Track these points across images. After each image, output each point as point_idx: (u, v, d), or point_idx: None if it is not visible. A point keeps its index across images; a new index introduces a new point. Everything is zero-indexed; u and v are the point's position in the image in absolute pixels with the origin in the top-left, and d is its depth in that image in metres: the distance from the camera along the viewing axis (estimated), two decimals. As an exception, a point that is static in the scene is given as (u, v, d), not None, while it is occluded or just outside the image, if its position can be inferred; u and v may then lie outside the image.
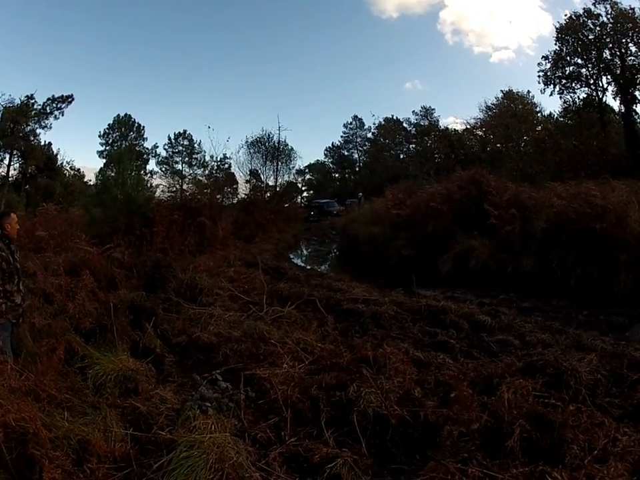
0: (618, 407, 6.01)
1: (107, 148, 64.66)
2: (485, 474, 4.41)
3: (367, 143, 72.69)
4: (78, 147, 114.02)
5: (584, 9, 46.28)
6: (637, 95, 44.86)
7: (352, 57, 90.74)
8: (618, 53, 44.89)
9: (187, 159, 69.75)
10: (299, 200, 64.45)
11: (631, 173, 24.62)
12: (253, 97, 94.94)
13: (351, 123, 73.76)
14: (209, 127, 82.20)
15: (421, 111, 67.42)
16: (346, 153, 74.72)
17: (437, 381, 6.47)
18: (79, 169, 63.39)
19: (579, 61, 47.79)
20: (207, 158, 60.50)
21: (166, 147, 70.53)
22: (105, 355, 6.56)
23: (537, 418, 5.30)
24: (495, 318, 10.23)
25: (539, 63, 49.85)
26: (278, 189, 50.54)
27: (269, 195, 44.91)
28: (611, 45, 45.11)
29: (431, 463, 4.62)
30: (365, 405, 5.51)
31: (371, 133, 72.24)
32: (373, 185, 49.25)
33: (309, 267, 18.69)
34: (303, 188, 73.07)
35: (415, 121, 67.81)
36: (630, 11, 43.57)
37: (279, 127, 54.19)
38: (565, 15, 51.84)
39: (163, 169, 69.07)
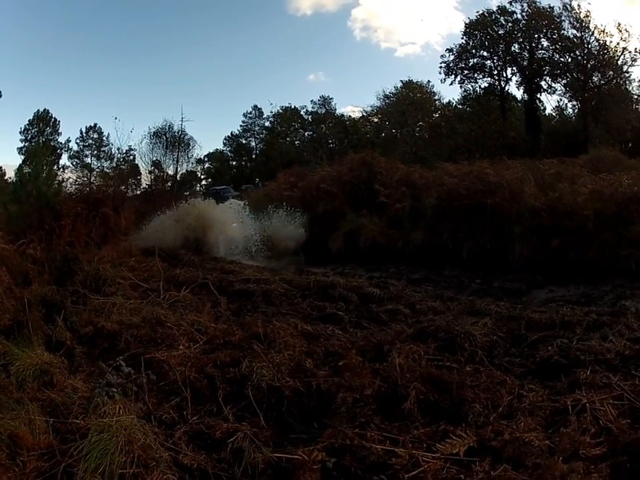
0: (519, 366, 6.38)
1: (26, 144, 64.64)
2: (385, 437, 4.61)
3: (264, 131, 75.66)
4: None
5: (498, 6, 53.50)
6: (542, 85, 52.47)
7: (260, 50, 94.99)
8: (528, 47, 52.00)
9: (95, 152, 70.92)
10: (198, 188, 67.31)
11: (530, 154, 26.82)
12: (162, 86, 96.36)
13: (250, 113, 76.46)
14: (116, 118, 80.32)
15: (319, 100, 71.78)
16: (244, 142, 77.50)
17: (327, 351, 6.69)
18: (0, 167, 63.81)
19: (485, 53, 54.94)
20: (114, 150, 62.11)
21: (77, 141, 71.50)
22: (24, 351, 6.60)
23: (432, 380, 5.51)
24: (384, 289, 10.66)
25: (442, 55, 57.02)
26: (178, 178, 51.20)
27: (169, 184, 45.30)
28: (521, 40, 52.35)
29: (328, 430, 4.77)
30: (258, 379, 5.69)
31: (268, 122, 75.57)
32: (268, 171, 51.70)
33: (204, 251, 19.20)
34: (202, 176, 75.99)
35: (313, 110, 71.97)
36: (548, 10, 50.65)
37: (182, 118, 56.76)
38: (477, 12, 56.87)
39: (74, 163, 70.02)
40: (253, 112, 75.97)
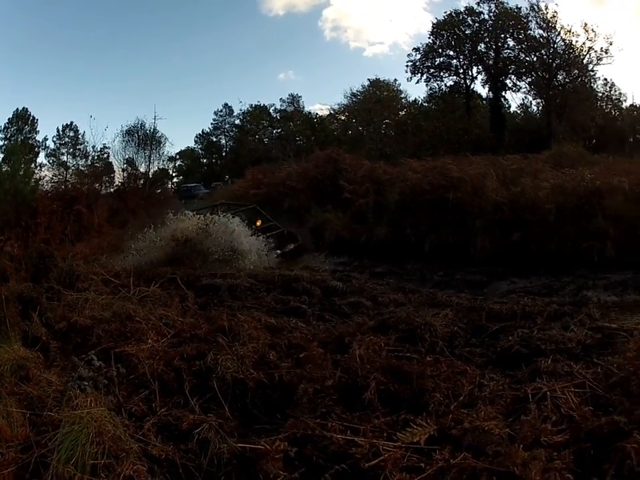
0: (480, 356, 6.49)
1: (5, 142, 64.13)
2: (346, 426, 4.65)
3: (234, 129, 76.42)
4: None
5: (466, 7, 54.71)
6: (507, 83, 53.84)
7: (233, 49, 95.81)
8: (494, 47, 53.44)
9: (71, 150, 70.84)
10: (169, 185, 67.48)
11: (494, 150, 27.34)
12: (137, 84, 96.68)
13: (221, 111, 77.11)
14: (91, 116, 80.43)
15: (288, 98, 72.45)
16: (214, 139, 78.35)
17: (289, 343, 6.84)
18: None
19: (451, 52, 56.26)
20: (89, 148, 61.27)
21: (54, 139, 71.45)
22: (1, 347, 6.69)
23: (392, 370, 5.61)
24: (346, 283, 10.88)
25: (408, 54, 58.23)
26: (150, 176, 51.40)
27: (142, 182, 45.47)
28: (487, 39, 53.82)
29: (290, 421, 4.85)
30: (222, 371, 5.83)
31: (238, 120, 76.20)
32: (238, 168, 51.99)
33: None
34: (174, 174, 76.15)
35: (282, 108, 72.72)
36: (515, 10, 52.10)
37: (155, 116, 57.49)
38: (445, 12, 58.25)
39: (51, 161, 69.52)
40: (224, 110, 76.66)
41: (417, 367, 5.70)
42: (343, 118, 67.70)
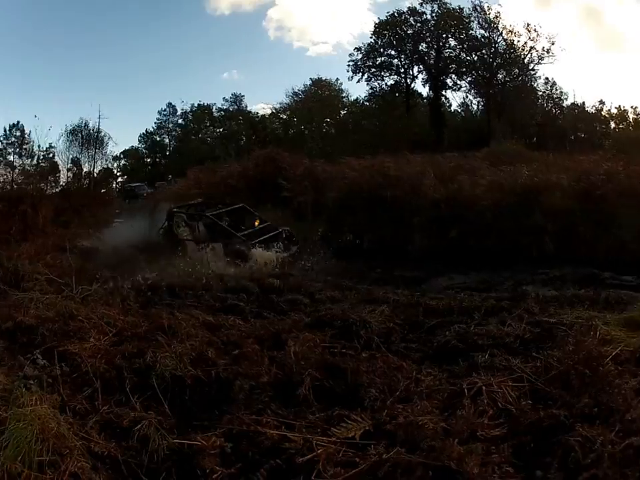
0: (417, 351, 6.62)
1: None
2: (281, 422, 4.76)
3: (177, 129, 76.02)
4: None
5: (409, 7, 55.58)
6: (448, 82, 55.22)
7: (178, 48, 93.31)
8: (435, 46, 54.70)
9: (18, 149, 67.95)
10: (114, 185, 65.32)
11: (434, 149, 27.84)
12: (83, 84, 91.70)
13: (164, 110, 76.16)
14: (35, 116, 79.12)
15: (231, 98, 72.06)
16: (158, 139, 77.42)
17: (227, 340, 6.95)
18: None
19: (393, 52, 57.22)
20: (35, 148, 60.02)
21: (1, 139, 68.77)
22: None
23: (327, 367, 5.70)
24: (284, 280, 11.10)
25: (350, 54, 58.75)
26: (95, 176, 50.96)
27: (87, 181, 45.04)
28: (429, 39, 54.99)
29: (226, 417, 4.93)
30: (162, 369, 5.88)
31: (182, 119, 75.83)
32: (181, 168, 51.25)
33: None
34: (118, 173, 73.66)
35: (224, 107, 72.48)
36: (458, 11, 53.40)
37: (99, 116, 55.65)
38: (388, 13, 59.09)
39: None
40: (167, 109, 75.87)
41: (352, 362, 5.74)
42: (284, 117, 68.11)
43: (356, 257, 14.58)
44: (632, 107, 56.06)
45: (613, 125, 57.85)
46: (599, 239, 14.98)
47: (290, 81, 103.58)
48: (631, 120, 56.79)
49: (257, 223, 16.73)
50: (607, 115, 57.51)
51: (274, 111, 67.92)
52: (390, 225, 14.97)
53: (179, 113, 75.57)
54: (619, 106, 56.55)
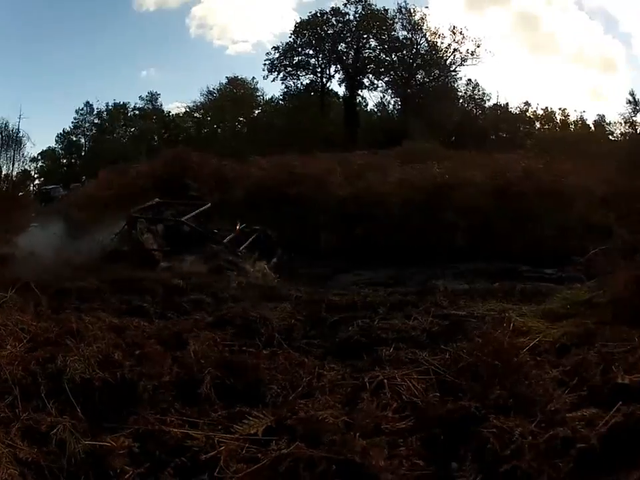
0: (319, 347, 6.73)
1: None
2: (185, 421, 4.82)
3: (94, 128, 74.88)
4: None
5: (332, 7, 56.62)
6: (365, 82, 56.38)
7: (102, 45, 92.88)
8: (355, 46, 55.74)
9: None
10: (32, 187, 65.48)
11: (347, 147, 28.65)
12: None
13: (82, 109, 74.81)
14: None
15: (147, 96, 71.88)
16: (74, 139, 76.02)
17: (132, 342, 6.93)
18: None
19: (311, 51, 58.14)
20: None
21: None
22: None
23: (227, 364, 5.79)
24: (187, 280, 11.22)
25: (267, 53, 59.70)
26: (13, 178, 49.82)
27: (5, 184, 44.06)
28: (349, 39, 56.05)
29: (132, 417, 4.97)
30: (72, 373, 5.79)
31: (98, 118, 74.76)
32: (96, 169, 50.26)
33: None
34: (36, 176, 73.51)
35: (140, 106, 72.27)
36: (383, 12, 54.69)
37: (20, 115, 56.13)
38: (310, 12, 60.02)
39: None
40: (85, 108, 74.52)
41: (252, 360, 5.82)
42: (198, 115, 68.37)
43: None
44: (560, 109, 58.13)
45: (538, 125, 59.74)
46: (516, 234, 15.52)
47: (208, 80, 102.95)
48: (558, 121, 58.74)
49: (237, 227, 15.62)
50: (532, 116, 59.50)
51: (187, 109, 68.24)
52: (296, 223, 15.25)
53: (95, 112, 74.72)
54: (546, 107, 58.71)
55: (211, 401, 5.17)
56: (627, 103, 48.45)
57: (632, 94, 47.95)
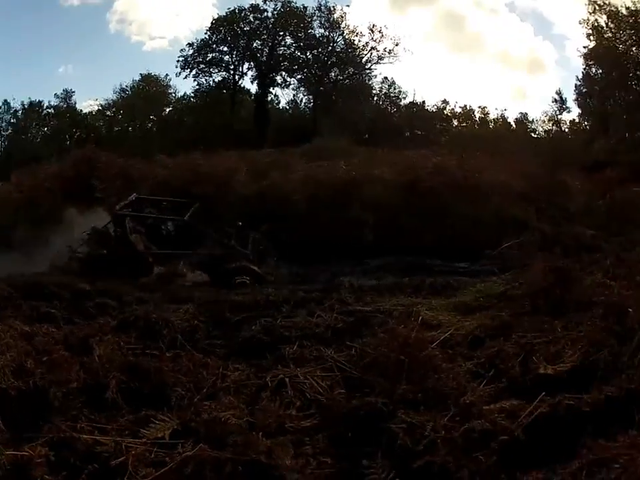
0: (222, 347, 6.79)
1: None
2: (95, 427, 4.76)
3: (10, 128, 71.42)
4: None
5: (251, 4, 55.97)
6: (277, 79, 56.17)
7: (24, 40, 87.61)
8: (270, 44, 55.39)
9: None
10: None
11: (256, 145, 29.02)
12: None
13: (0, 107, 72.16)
14: None
15: (62, 94, 68.50)
16: None
17: (42, 349, 6.68)
18: None
19: (225, 48, 57.22)
20: None
21: None
22: None
23: (131, 368, 5.72)
24: (93, 285, 11.01)
25: (181, 49, 58.27)
26: None
27: None
28: (265, 36, 55.64)
29: (47, 426, 4.86)
30: None
31: (14, 117, 71.28)
32: (10, 171, 48.86)
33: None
34: None
35: (55, 104, 68.85)
36: (302, 10, 54.54)
37: None
38: (228, 9, 58.87)
39: None
40: (2, 107, 70.65)
41: (156, 362, 5.78)
42: (109, 114, 66.18)
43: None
44: (479, 107, 58.67)
45: (455, 123, 60.18)
46: (427, 229, 15.67)
47: (123, 77, 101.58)
48: (477, 119, 59.49)
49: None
50: (449, 114, 59.77)
51: (100, 108, 66.29)
52: (200, 222, 14.52)
53: (12, 110, 72.00)
54: (465, 105, 59.11)
55: (118, 406, 5.11)
56: (552, 102, 49.68)
57: (559, 93, 49.07)
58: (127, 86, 63.29)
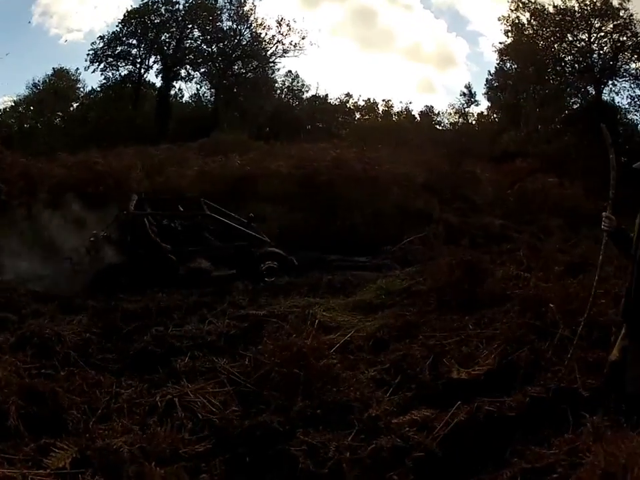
0: (115, 362, 6.45)
1: None
2: (3, 458, 4.37)
3: None
4: None
5: None
6: (182, 73, 55.60)
7: None
8: (178, 37, 54.47)
9: None
10: None
11: (157, 140, 29.22)
12: None
13: None
14: None
15: None
16: None
17: None
18: None
19: (134, 41, 55.66)
20: None
21: None
22: None
23: (29, 391, 5.31)
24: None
25: (92, 42, 56.00)
26: None
27: None
28: (174, 29, 54.67)
29: None
30: None
31: None
32: None
33: None
34: None
35: None
36: (212, 2, 53.92)
37: None
38: (142, 1, 56.75)
39: None
40: None
41: (50, 384, 5.37)
42: (21, 110, 64.60)
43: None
44: (383, 100, 58.96)
45: (358, 115, 60.11)
46: (325, 223, 15.68)
47: (38, 71, 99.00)
48: (380, 112, 59.28)
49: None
50: (352, 107, 59.80)
51: (13, 104, 64.19)
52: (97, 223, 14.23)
53: None
54: (368, 98, 59.12)
55: (20, 434, 4.78)
56: (460, 95, 50.24)
57: (468, 87, 49.74)
58: (38, 81, 61.24)
